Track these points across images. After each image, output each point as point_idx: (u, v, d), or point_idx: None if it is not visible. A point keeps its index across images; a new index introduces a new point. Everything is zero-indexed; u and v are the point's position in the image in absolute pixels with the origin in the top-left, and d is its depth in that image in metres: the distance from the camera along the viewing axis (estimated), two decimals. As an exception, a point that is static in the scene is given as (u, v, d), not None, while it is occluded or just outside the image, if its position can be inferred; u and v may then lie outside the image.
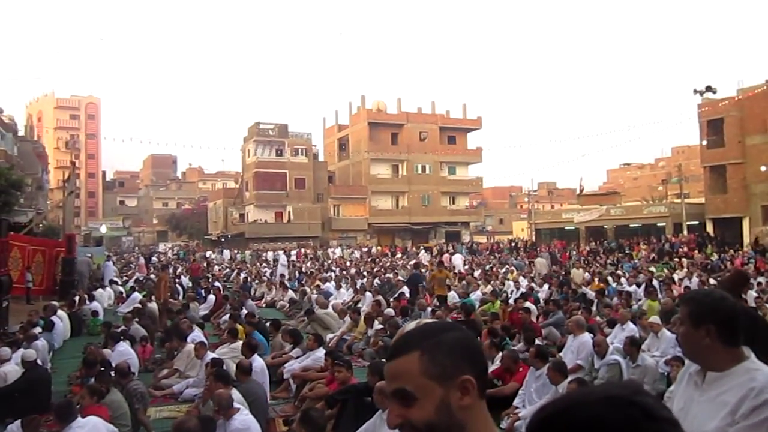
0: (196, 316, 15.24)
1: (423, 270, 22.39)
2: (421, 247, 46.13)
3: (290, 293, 20.62)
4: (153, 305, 15.59)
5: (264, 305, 20.45)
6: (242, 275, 29.18)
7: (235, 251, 48.94)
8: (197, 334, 11.06)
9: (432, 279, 17.10)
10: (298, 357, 9.84)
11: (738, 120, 37.96)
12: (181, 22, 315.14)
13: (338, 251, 45.43)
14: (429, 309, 14.04)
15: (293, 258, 40.03)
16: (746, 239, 35.93)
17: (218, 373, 6.91)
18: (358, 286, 20.29)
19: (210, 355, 9.24)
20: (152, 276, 27.13)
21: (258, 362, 8.41)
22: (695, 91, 39.54)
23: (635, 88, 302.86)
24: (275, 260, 39.36)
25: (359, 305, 16.33)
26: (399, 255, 42.58)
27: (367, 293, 17.70)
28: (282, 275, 26.56)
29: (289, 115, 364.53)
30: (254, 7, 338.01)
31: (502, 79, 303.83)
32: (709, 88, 39.27)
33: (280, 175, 59.38)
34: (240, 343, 9.59)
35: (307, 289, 20.22)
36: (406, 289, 18.50)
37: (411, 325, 1.62)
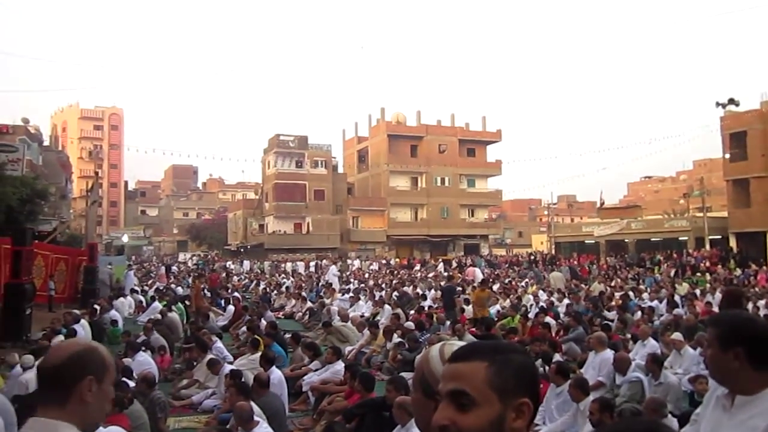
0: (216, 327, 15.34)
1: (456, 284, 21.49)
2: (440, 260, 45.99)
3: (309, 304, 20.69)
4: (173, 315, 15.69)
5: (282, 316, 20.49)
6: (261, 286, 29.28)
7: (255, 262, 49.18)
8: (219, 346, 11.09)
9: (476, 300, 15.51)
10: (317, 369, 9.82)
11: (761, 133, 37.45)
12: (203, 35, 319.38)
13: (357, 263, 45.46)
14: (448, 323, 13.95)
15: (311, 269, 40.25)
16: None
17: (238, 386, 6.92)
18: (376, 299, 20.27)
19: (228, 366, 9.26)
20: (172, 285, 27.33)
21: (276, 374, 8.39)
22: (718, 104, 39.06)
23: (657, 101, 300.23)
24: (294, 271, 39.61)
25: (378, 318, 16.29)
26: (417, 267, 42.51)
27: (386, 306, 17.63)
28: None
29: (309, 127, 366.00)
30: (276, 20, 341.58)
31: (522, 91, 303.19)
32: (731, 101, 38.77)
33: (299, 187, 59.67)
34: (259, 354, 9.59)
35: (326, 301, 20.26)
36: (425, 303, 18.40)
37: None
